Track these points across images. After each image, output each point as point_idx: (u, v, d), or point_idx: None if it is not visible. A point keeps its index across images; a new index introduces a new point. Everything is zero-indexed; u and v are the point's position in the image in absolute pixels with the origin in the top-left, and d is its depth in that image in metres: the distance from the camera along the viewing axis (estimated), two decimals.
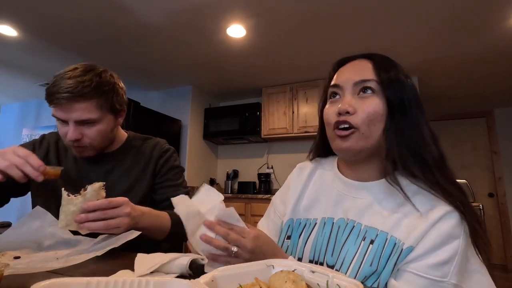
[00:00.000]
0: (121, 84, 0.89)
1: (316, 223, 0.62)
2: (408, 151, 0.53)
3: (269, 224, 0.75)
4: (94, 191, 0.64)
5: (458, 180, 0.55)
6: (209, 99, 3.81)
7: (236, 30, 2.29)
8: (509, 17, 2.06)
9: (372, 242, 0.53)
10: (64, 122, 0.79)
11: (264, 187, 3.33)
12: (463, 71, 2.93)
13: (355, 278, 0.51)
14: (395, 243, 0.51)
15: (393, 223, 0.53)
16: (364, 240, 0.54)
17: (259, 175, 3.43)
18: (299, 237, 0.63)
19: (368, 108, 0.54)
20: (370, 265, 0.51)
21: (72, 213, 0.62)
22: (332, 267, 0.55)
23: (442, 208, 0.50)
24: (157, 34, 2.37)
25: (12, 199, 0.90)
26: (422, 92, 3.08)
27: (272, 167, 3.51)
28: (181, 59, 2.82)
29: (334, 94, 0.60)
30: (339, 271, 0.53)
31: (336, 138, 0.57)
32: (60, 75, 0.77)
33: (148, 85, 3.51)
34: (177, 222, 0.83)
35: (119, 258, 0.44)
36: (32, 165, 0.65)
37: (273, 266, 0.40)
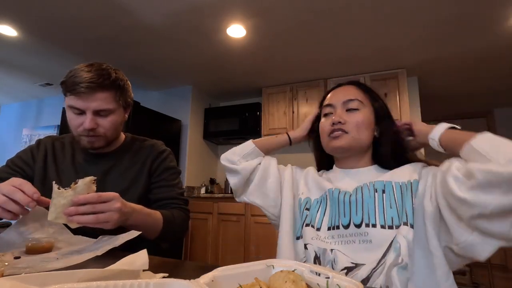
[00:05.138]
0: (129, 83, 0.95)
1: (326, 195, 0.74)
2: (388, 145, 0.75)
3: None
4: (85, 185, 0.63)
5: None
6: (209, 99, 3.81)
7: (236, 30, 2.30)
8: (510, 17, 2.06)
9: (383, 192, 0.67)
10: (80, 113, 0.82)
11: None
12: (463, 71, 2.93)
13: (384, 223, 0.62)
14: (401, 185, 0.66)
15: (392, 176, 0.69)
16: (376, 192, 0.67)
17: None
18: (317, 212, 0.74)
19: (356, 119, 0.74)
20: (390, 208, 0.64)
21: (62, 206, 0.61)
22: (359, 225, 0.64)
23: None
24: (157, 34, 2.37)
25: None
26: (422, 92, 3.08)
27: None
28: (181, 59, 2.82)
29: (328, 111, 0.79)
30: (368, 224, 0.63)
31: (331, 140, 0.75)
32: (78, 69, 0.81)
33: (148, 85, 3.51)
34: (169, 221, 0.84)
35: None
36: (25, 192, 0.63)
37: (273, 266, 0.40)
